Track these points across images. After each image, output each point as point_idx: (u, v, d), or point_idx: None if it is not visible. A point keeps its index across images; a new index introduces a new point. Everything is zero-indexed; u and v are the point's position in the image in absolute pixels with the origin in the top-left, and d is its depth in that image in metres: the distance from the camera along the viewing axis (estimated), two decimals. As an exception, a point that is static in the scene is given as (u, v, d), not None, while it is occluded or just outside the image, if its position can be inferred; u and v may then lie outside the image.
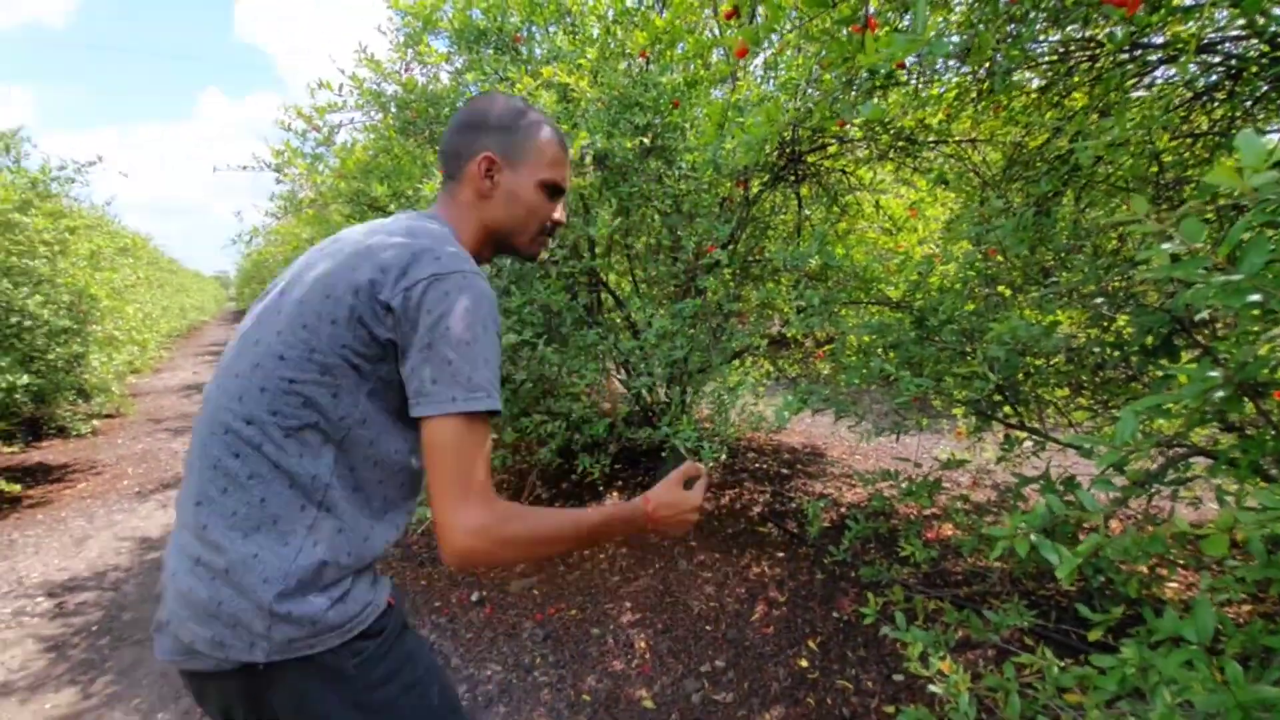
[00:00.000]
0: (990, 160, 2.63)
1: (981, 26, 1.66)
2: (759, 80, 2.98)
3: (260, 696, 0.78)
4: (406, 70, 2.94)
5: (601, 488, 3.56)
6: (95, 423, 5.71)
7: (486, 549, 0.75)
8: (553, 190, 0.98)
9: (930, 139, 2.62)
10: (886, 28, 1.59)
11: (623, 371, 3.15)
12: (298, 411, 0.77)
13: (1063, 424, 2.25)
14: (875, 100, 2.06)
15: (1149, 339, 1.44)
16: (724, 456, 2.41)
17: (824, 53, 1.64)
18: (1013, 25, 1.67)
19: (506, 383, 2.61)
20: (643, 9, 2.88)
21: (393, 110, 2.92)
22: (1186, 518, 1.12)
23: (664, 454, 2.80)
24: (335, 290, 0.78)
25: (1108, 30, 1.72)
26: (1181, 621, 0.84)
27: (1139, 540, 0.93)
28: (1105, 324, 1.78)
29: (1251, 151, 0.66)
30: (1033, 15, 1.61)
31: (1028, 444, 2.01)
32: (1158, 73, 1.86)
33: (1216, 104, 1.80)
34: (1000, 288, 1.97)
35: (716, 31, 2.77)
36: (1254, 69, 1.57)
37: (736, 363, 3.53)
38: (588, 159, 2.48)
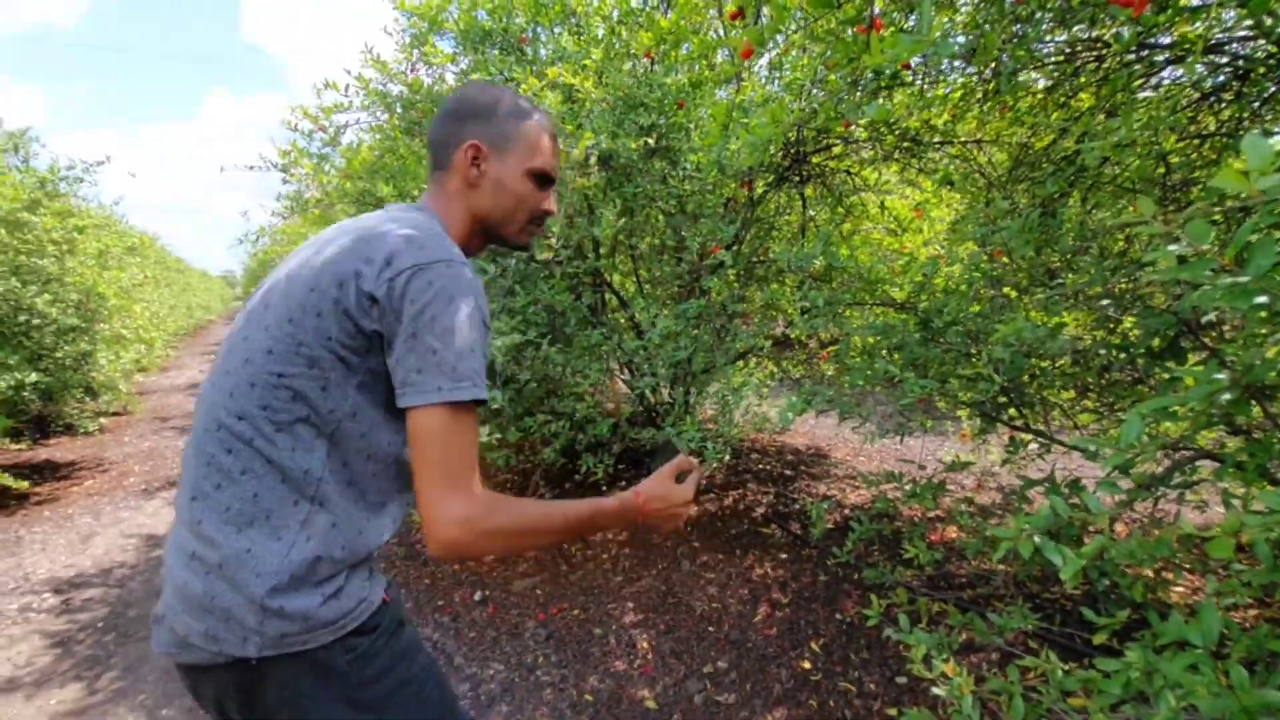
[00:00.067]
0: (996, 161, 2.62)
1: (987, 27, 1.65)
2: (764, 81, 2.98)
3: (253, 691, 0.78)
4: (412, 71, 2.95)
5: (605, 488, 3.55)
6: (102, 420, 5.75)
7: (471, 540, 0.75)
8: (541, 179, 0.96)
9: (935, 140, 2.61)
10: (892, 28, 1.59)
11: (626, 372, 3.16)
12: (288, 405, 0.77)
13: (1068, 426, 2.24)
14: (880, 101, 2.06)
15: (1155, 341, 1.43)
16: (728, 457, 2.41)
17: (829, 53, 1.65)
18: (1018, 25, 1.67)
19: (510, 383, 2.62)
20: (648, 10, 2.89)
21: (398, 111, 2.93)
22: (1192, 521, 1.12)
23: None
24: (320, 283, 0.78)
25: (1114, 31, 1.72)
26: (1187, 625, 0.84)
27: (1144, 543, 0.93)
28: (1111, 326, 1.77)
29: (1258, 154, 0.66)
30: (1039, 15, 1.61)
31: (1033, 446, 2.01)
32: (1165, 73, 1.85)
33: (1224, 105, 1.79)
34: (1006, 289, 1.96)
35: (721, 32, 2.76)
36: (1261, 70, 1.56)
37: (741, 364, 3.53)
38: (592, 159, 2.48)
